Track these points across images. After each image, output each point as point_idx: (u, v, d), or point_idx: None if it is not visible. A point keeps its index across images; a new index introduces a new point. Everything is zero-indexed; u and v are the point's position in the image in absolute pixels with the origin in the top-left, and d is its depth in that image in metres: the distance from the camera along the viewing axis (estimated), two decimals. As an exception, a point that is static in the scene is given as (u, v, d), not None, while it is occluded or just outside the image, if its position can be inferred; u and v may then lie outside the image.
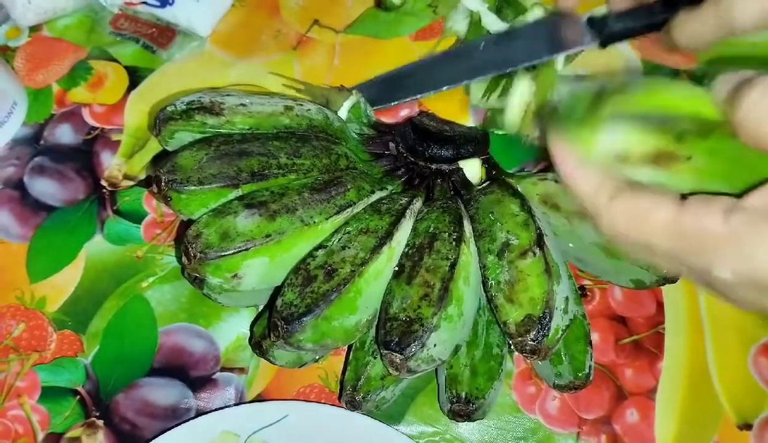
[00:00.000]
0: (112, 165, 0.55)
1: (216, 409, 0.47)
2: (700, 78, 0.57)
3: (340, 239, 0.41)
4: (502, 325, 0.38)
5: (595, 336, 0.50)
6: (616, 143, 0.32)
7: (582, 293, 0.50)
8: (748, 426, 0.48)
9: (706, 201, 0.29)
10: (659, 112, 0.32)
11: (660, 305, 0.51)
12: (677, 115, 0.31)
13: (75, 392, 0.48)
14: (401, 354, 0.37)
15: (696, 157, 0.30)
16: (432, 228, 0.42)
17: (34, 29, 0.61)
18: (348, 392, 0.43)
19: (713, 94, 0.31)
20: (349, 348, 0.46)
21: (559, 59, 0.55)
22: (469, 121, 0.57)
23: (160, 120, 0.43)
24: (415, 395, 0.48)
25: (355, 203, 0.42)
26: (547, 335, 0.37)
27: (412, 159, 0.48)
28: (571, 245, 0.46)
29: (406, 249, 0.41)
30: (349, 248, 0.40)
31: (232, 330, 0.50)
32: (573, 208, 0.46)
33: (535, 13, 0.58)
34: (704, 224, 0.28)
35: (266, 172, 0.42)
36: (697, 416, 0.48)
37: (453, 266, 0.39)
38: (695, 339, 0.50)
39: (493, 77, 0.55)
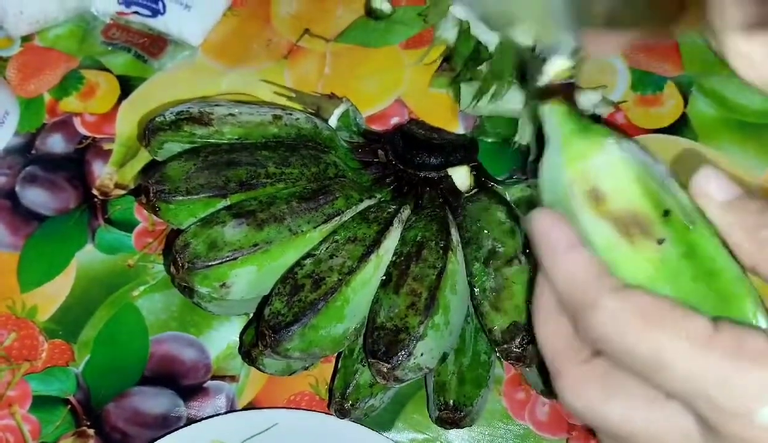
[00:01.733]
0: (103, 174, 0.55)
1: (207, 418, 0.47)
2: (687, 86, 0.58)
3: (327, 248, 0.41)
4: (487, 332, 0.39)
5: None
6: (607, 174, 0.27)
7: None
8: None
9: (739, 327, 0.24)
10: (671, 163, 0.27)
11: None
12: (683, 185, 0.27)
13: (66, 401, 0.48)
14: (388, 363, 0.37)
15: (670, 245, 0.26)
16: (419, 237, 0.42)
17: (26, 39, 0.61)
18: (337, 400, 0.43)
19: (691, 188, 0.27)
20: (338, 356, 0.46)
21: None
22: (459, 127, 0.57)
23: (149, 130, 0.44)
24: (405, 402, 0.48)
25: (343, 211, 0.43)
26: (532, 342, 0.38)
27: (401, 167, 0.49)
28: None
29: (394, 258, 0.42)
30: (336, 257, 0.40)
31: (223, 339, 0.50)
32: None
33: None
34: (749, 345, 0.23)
35: (254, 181, 0.42)
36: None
37: (440, 275, 0.40)
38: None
39: (482, 82, 0.55)
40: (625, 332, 0.24)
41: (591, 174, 0.27)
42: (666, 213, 0.26)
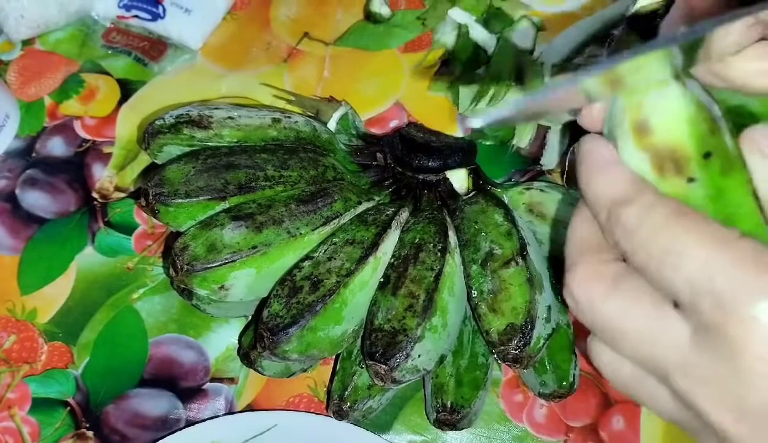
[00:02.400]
0: (103, 177, 0.56)
1: (206, 419, 0.48)
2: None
3: (326, 250, 0.41)
4: (484, 334, 0.39)
5: (581, 344, 0.50)
6: (661, 110, 0.27)
7: (568, 302, 0.50)
8: (733, 433, 0.48)
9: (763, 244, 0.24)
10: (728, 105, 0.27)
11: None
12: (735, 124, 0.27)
13: (65, 403, 0.48)
14: (386, 364, 0.37)
15: (698, 186, 0.26)
16: (417, 239, 0.42)
17: (27, 43, 0.61)
18: (335, 401, 0.43)
19: (742, 137, 0.27)
20: (337, 357, 0.46)
21: (546, 69, 0.56)
22: (458, 131, 0.58)
23: (149, 134, 0.44)
24: (403, 404, 0.48)
25: (341, 214, 0.43)
26: (529, 344, 0.38)
27: (400, 169, 0.49)
28: (557, 254, 0.47)
29: (392, 260, 0.42)
30: (335, 259, 0.40)
31: (222, 341, 0.50)
32: (559, 216, 0.46)
33: (522, 25, 0.59)
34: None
35: (253, 184, 0.42)
36: (684, 423, 0.49)
37: (438, 277, 0.40)
38: (681, 347, 0.50)
39: (480, 85, 0.55)
40: (651, 224, 0.25)
41: (645, 106, 0.27)
42: (707, 155, 0.26)
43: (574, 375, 0.44)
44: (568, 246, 0.29)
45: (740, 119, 0.29)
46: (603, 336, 0.27)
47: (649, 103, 0.27)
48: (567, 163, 0.52)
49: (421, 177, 0.48)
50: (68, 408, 0.48)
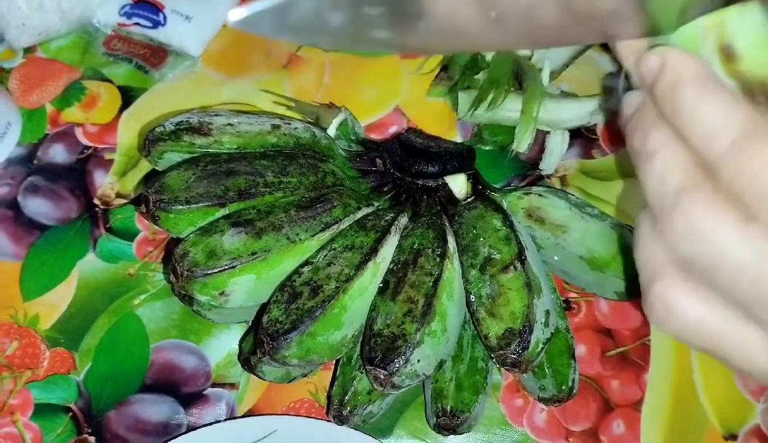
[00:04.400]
0: (104, 183, 0.56)
1: (207, 425, 0.48)
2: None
3: (325, 256, 0.41)
4: (483, 339, 0.39)
5: (581, 349, 0.50)
6: (745, 35, 0.25)
7: (567, 307, 0.51)
8: (733, 437, 0.48)
9: None
10: None
11: (646, 317, 0.51)
12: None
13: (67, 409, 0.49)
14: (385, 369, 0.38)
15: None
16: (416, 244, 0.42)
17: (28, 50, 0.62)
18: (335, 406, 0.44)
19: None
20: (337, 362, 0.46)
21: (545, 74, 0.56)
22: (457, 136, 0.58)
23: (149, 141, 0.44)
24: (404, 408, 0.49)
25: (341, 220, 0.43)
26: (527, 348, 0.38)
27: (399, 175, 0.49)
28: (556, 258, 0.47)
29: (391, 266, 0.42)
30: (334, 264, 0.41)
31: (223, 346, 0.50)
32: (558, 221, 0.46)
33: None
34: None
35: (253, 190, 0.42)
36: (683, 427, 0.49)
37: (436, 282, 0.40)
38: (681, 350, 0.51)
39: (479, 90, 0.55)
40: None
41: (728, 29, 0.25)
42: None
43: (573, 380, 0.45)
44: (656, 188, 0.25)
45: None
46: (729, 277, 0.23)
47: (733, 24, 0.25)
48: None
49: (420, 182, 0.49)
50: (70, 413, 0.49)
